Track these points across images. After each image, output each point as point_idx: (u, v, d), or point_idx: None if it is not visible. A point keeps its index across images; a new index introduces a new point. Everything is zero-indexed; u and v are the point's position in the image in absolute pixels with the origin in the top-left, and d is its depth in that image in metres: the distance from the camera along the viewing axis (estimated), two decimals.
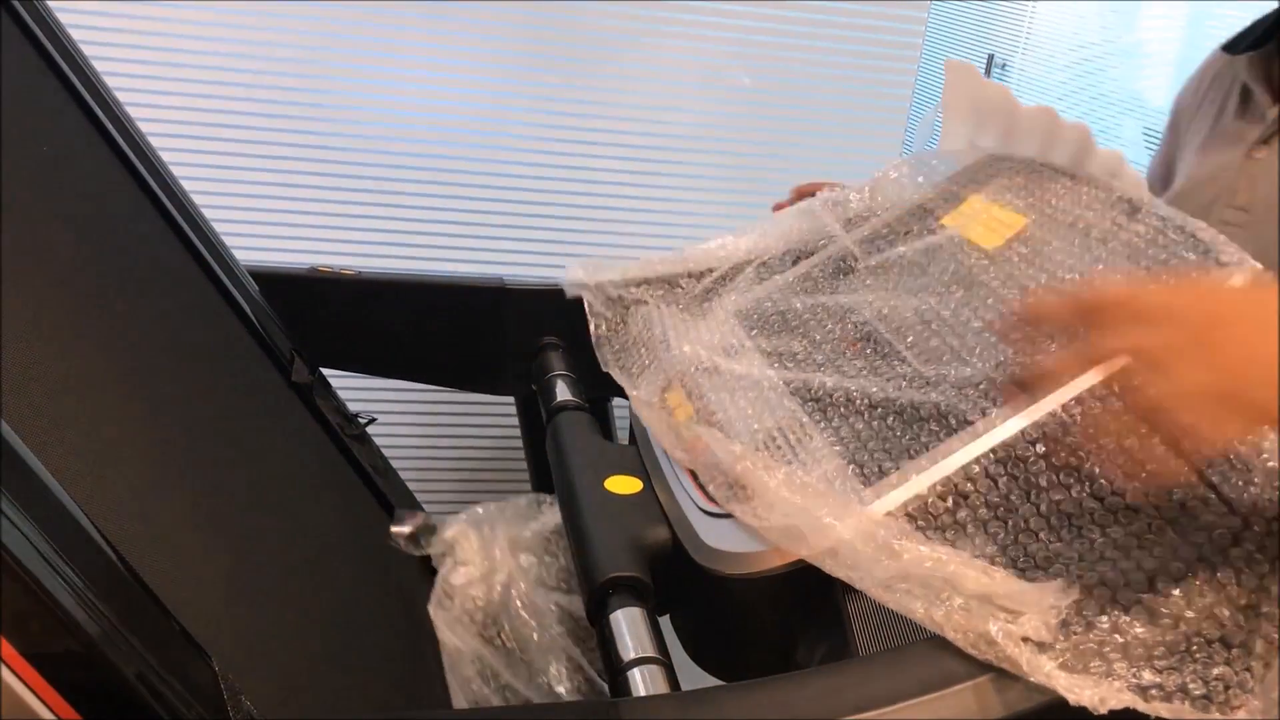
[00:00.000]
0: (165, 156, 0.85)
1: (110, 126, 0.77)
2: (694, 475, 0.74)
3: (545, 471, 1.11)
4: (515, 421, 1.13)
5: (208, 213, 0.88)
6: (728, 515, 0.69)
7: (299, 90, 1.21)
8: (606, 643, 0.65)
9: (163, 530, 0.61)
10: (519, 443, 1.13)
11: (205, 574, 0.63)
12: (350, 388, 1.19)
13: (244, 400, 0.82)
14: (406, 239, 1.28)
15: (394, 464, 1.06)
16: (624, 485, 0.79)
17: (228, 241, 0.90)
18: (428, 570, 1.00)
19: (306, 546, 0.79)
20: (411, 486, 1.07)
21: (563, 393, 0.94)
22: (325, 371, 0.99)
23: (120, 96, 0.80)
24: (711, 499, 0.71)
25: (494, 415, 1.33)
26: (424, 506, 1.06)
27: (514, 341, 1.05)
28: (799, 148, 1.33)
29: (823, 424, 0.72)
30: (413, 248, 1.28)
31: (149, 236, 0.80)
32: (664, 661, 0.63)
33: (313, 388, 0.93)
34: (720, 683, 0.72)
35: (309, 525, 0.83)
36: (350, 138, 1.24)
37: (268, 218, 1.23)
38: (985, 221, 0.83)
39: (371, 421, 1.00)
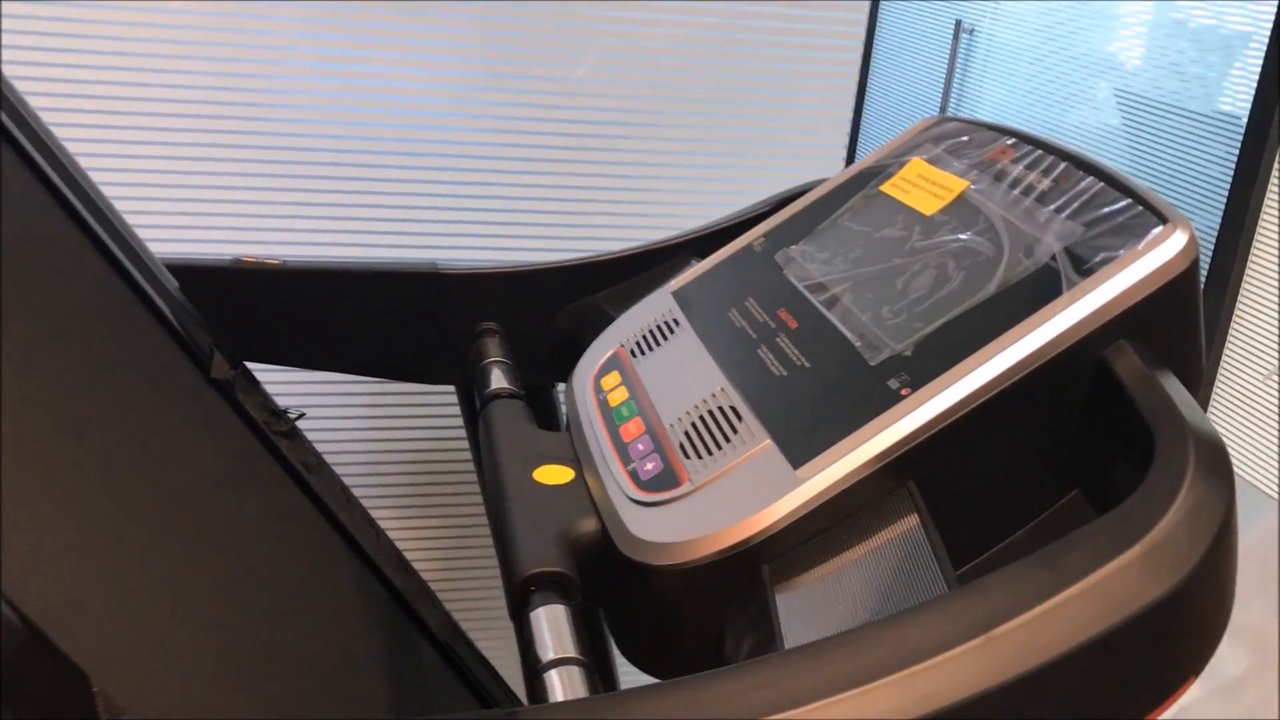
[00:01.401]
0: (72, 149, 0.80)
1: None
2: (624, 463, 0.71)
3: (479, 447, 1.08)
4: (458, 411, 1.09)
5: (119, 205, 0.84)
6: (657, 504, 0.66)
7: (214, 74, 1.16)
8: (524, 643, 0.61)
9: (43, 541, 0.57)
10: (463, 433, 1.10)
11: (93, 588, 0.59)
12: (286, 382, 1.15)
13: (150, 400, 0.78)
14: (337, 225, 1.23)
15: (334, 460, 1.02)
16: (554, 475, 0.75)
17: (143, 234, 0.86)
18: (368, 566, 0.96)
19: (223, 549, 0.75)
20: (351, 482, 1.03)
21: (496, 380, 0.91)
22: (258, 367, 0.95)
23: (9, 71, 0.76)
24: (642, 486, 0.68)
25: (436, 406, 1.29)
26: (363, 502, 1.03)
27: (450, 328, 1.01)
28: (743, 142, 1.29)
29: (754, 403, 0.68)
30: (343, 234, 1.23)
31: (47, 232, 0.76)
32: (584, 662, 0.59)
33: (234, 384, 0.88)
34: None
35: (226, 527, 0.79)
36: (275, 121, 1.19)
37: (186, 208, 1.18)
38: (924, 186, 0.80)
39: (300, 417, 0.96)
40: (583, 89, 1.24)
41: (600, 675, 0.60)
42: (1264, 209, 2.17)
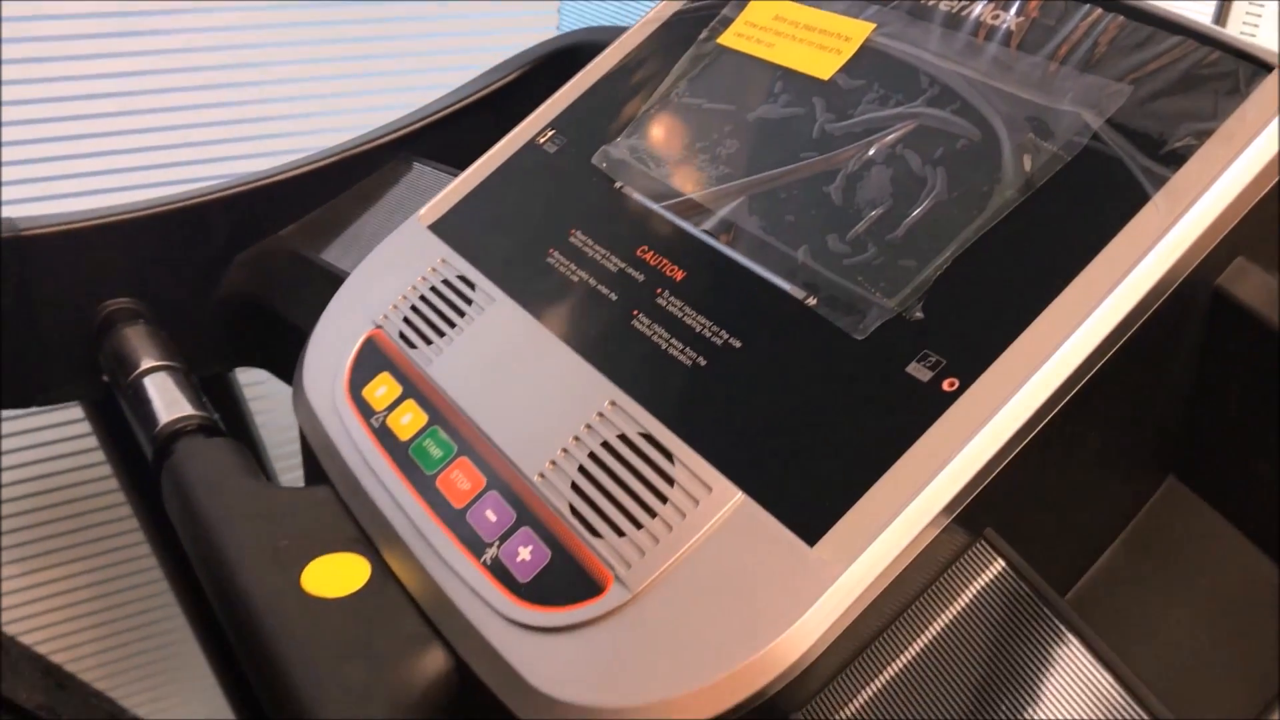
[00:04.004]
0: None
1: None
2: (473, 550, 0.43)
3: (161, 521, 0.74)
4: (92, 443, 0.73)
5: None
6: (565, 628, 0.39)
7: None
8: None
9: None
10: (104, 471, 0.74)
11: None
12: None
13: None
14: None
15: None
16: (337, 576, 0.46)
17: None
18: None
19: None
20: None
21: (168, 403, 0.57)
22: None
23: None
24: (524, 596, 0.41)
25: (51, 433, 0.88)
26: None
27: (59, 319, 0.65)
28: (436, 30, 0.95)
29: (682, 427, 0.42)
30: None
31: None
32: None
33: None
34: None
35: None
36: None
37: None
38: (794, 34, 0.55)
39: None
40: None
41: None
42: None
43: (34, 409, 0.79)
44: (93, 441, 0.84)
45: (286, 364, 0.57)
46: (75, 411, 0.85)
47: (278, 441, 0.81)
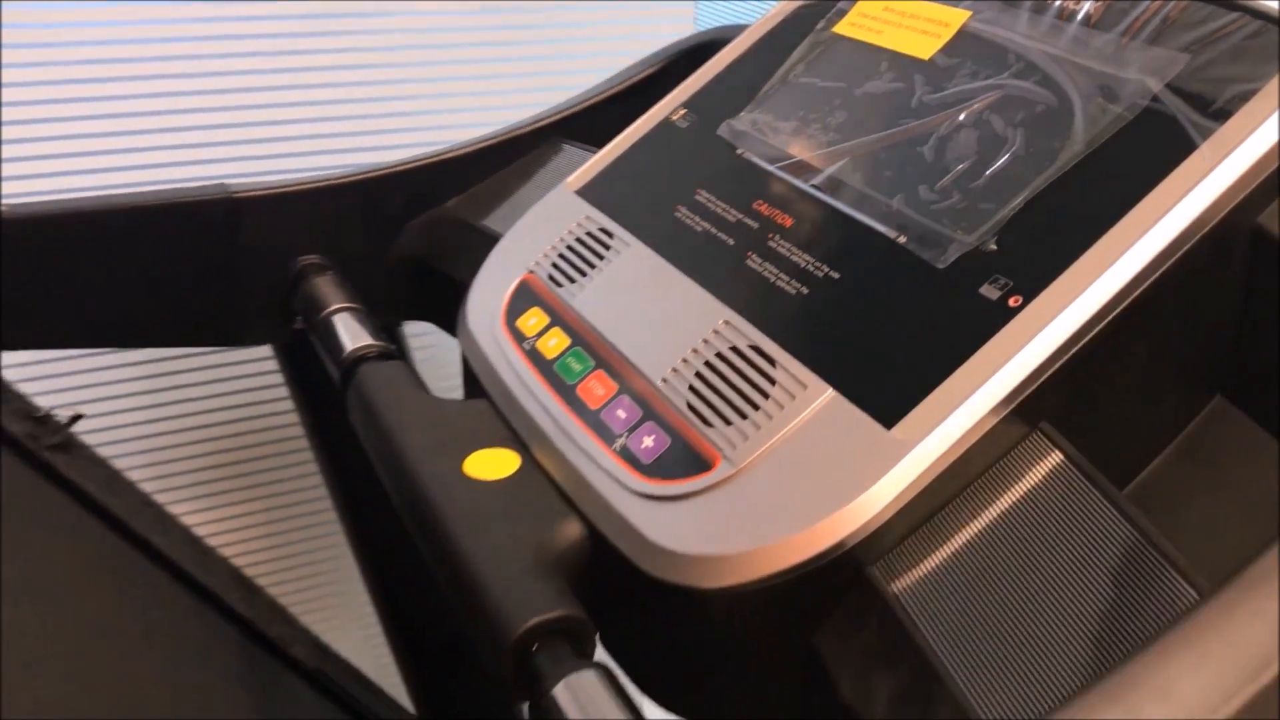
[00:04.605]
0: None
1: None
2: (605, 440, 0.51)
3: (332, 437, 0.84)
4: (279, 379, 0.84)
5: None
6: (680, 497, 0.47)
7: None
8: None
9: None
10: (287, 405, 0.85)
11: None
12: (46, 376, 0.87)
13: None
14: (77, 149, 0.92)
15: (123, 465, 0.76)
16: (492, 464, 0.54)
17: None
18: (202, 597, 0.73)
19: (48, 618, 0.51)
20: (150, 488, 0.77)
21: (353, 335, 0.67)
22: None
23: None
24: (646, 473, 0.49)
25: (246, 375, 1.01)
26: (170, 509, 0.77)
27: (259, 270, 0.76)
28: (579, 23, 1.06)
29: (783, 338, 0.50)
30: (84, 165, 0.93)
31: None
32: None
33: None
34: None
35: (42, 591, 0.55)
36: None
37: None
38: (901, 21, 0.62)
39: (76, 419, 0.70)
40: None
41: None
42: None
43: (232, 348, 0.91)
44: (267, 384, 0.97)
45: (448, 315, 0.66)
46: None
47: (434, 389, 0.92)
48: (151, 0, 0.90)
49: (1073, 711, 0.29)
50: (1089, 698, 0.30)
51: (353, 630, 1.07)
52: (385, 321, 0.81)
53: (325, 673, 0.80)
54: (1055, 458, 0.45)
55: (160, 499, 0.76)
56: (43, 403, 0.70)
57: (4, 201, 0.68)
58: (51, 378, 0.92)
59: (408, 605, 0.90)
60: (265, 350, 0.83)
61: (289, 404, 0.85)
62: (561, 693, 0.42)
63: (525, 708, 0.45)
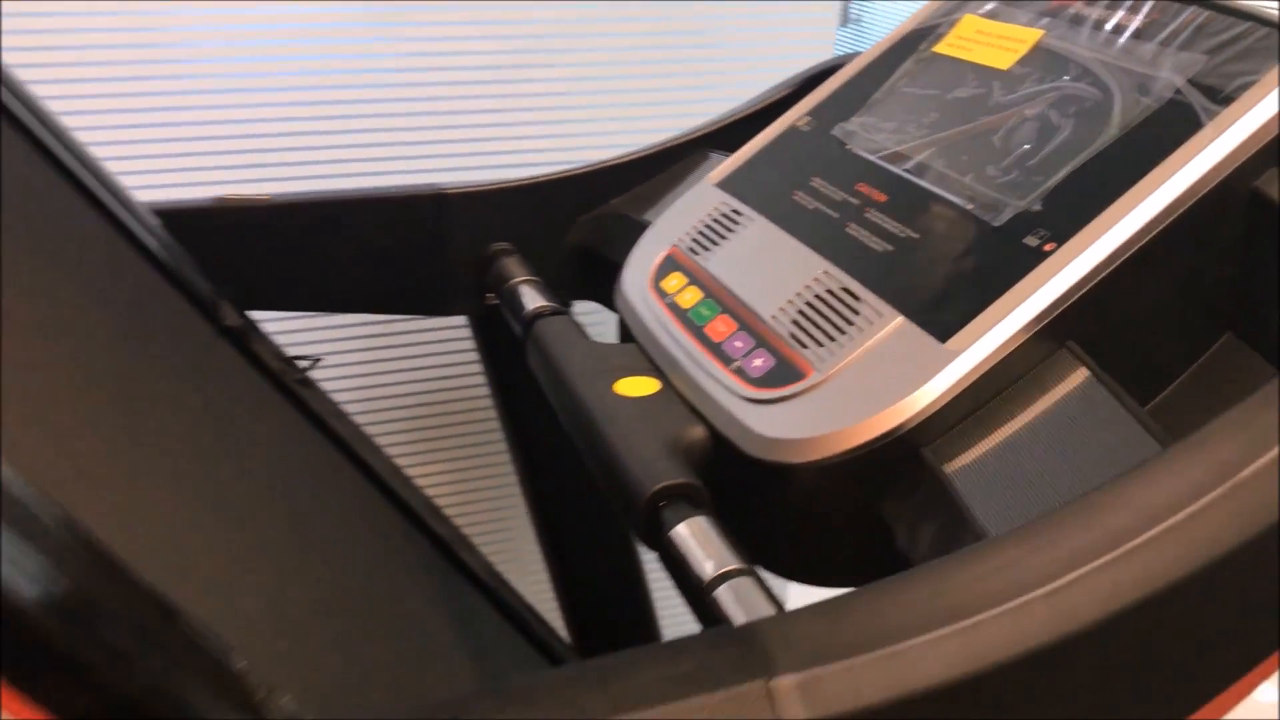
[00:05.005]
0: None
1: None
2: (725, 363, 0.65)
3: (512, 396, 1.01)
4: (471, 345, 1.01)
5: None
6: (780, 399, 0.60)
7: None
8: (677, 565, 0.55)
9: (154, 523, 0.49)
10: (476, 368, 1.02)
11: (207, 562, 0.51)
12: (276, 331, 1.06)
13: (173, 357, 0.70)
14: (325, 155, 1.12)
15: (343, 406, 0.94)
16: (638, 387, 0.69)
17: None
18: (408, 516, 0.89)
19: (269, 508, 0.68)
20: (363, 426, 0.95)
21: (533, 299, 0.83)
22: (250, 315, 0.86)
23: None
24: (755, 384, 0.62)
25: (445, 340, 1.20)
26: (382, 446, 0.95)
27: (460, 253, 0.93)
28: (723, 33, 1.22)
29: (869, 281, 0.63)
30: (332, 164, 1.13)
31: (39, 188, 0.66)
32: (752, 572, 0.54)
33: (246, 333, 0.80)
34: (823, 589, 0.63)
35: (292, 490, 0.71)
36: (244, 46, 1.08)
37: (154, 150, 1.07)
38: (988, 41, 0.75)
39: (315, 363, 0.88)
40: None
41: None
42: None
43: (436, 316, 1.08)
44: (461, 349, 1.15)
45: (610, 295, 0.81)
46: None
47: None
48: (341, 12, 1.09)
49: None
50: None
51: (521, 577, 1.23)
52: (558, 298, 0.97)
53: (502, 596, 0.95)
54: (1078, 370, 0.56)
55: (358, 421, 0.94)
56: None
57: (269, 193, 0.87)
58: (290, 332, 1.12)
59: (572, 549, 1.05)
60: (461, 321, 1.00)
61: (478, 369, 1.02)
62: (681, 530, 0.56)
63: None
